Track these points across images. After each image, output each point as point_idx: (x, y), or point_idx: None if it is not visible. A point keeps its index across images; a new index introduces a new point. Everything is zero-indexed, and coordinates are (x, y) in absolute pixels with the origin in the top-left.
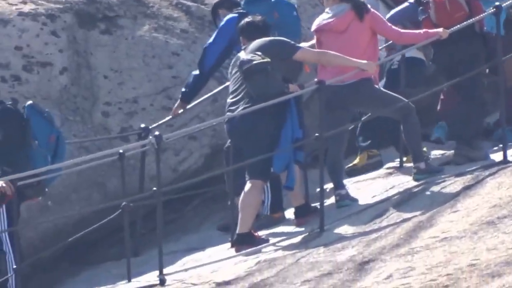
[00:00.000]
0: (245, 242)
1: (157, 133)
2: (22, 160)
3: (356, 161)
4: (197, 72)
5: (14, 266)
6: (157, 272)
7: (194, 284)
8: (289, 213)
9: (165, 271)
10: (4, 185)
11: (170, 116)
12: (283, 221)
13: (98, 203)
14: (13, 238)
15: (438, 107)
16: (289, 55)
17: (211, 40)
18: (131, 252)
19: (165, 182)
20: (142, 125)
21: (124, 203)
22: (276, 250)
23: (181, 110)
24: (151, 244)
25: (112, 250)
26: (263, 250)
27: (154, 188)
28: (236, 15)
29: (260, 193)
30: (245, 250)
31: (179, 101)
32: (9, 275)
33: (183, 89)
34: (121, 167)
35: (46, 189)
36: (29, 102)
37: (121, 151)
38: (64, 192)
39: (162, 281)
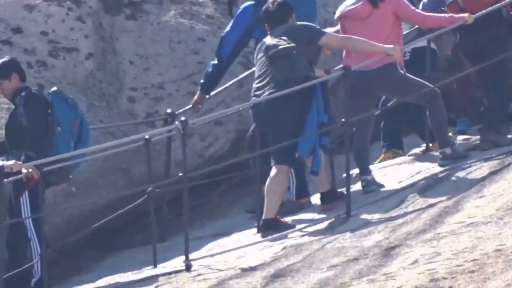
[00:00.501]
0: (271, 227)
1: (183, 118)
2: (45, 146)
3: (382, 158)
4: (215, 61)
5: (39, 252)
6: (183, 258)
7: (220, 270)
8: (315, 199)
9: (191, 256)
10: (30, 170)
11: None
12: (309, 206)
13: (123, 189)
14: (37, 225)
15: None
16: (315, 40)
17: (227, 28)
18: (157, 238)
19: (191, 168)
20: (168, 111)
21: (149, 188)
22: (302, 235)
23: (200, 106)
24: (177, 230)
25: (137, 236)
26: (289, 235)
27: (180, 174)
28: (252, 2)
29: (286, 179)
30: (271, 236)
31: (198, 92)
32: (34, 261)
33: (202, 80)
34: (147, 153)
35: (70, 176)
36: (54, 88)
37: (147, 136)
38: (90, 177)
39: (188, 267)
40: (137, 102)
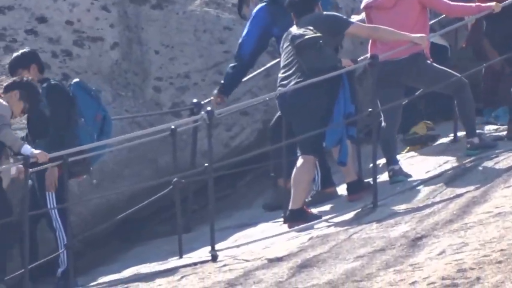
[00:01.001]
0: (297, 218)
1: (209, 108)
2: (69, 137)
3: (416, 129)
4: (235, 64)
5: (65, 243)
6: (209, 248)
7: (246, 260)
8: (342, 189)
9: (217, 247)
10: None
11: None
12: (336, 196)
13: (149, 179)
14: (63, 215)
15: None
16: (341, 30)
17: (244, 32)
18: (183, 228)
19: (216, 158)
20: (194, 100)
21: (175, 179)
22: (328, 226)
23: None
24: (202, 220)
25: (163, 226)
26: (316, 226)
27: (206, 164)
28: (264, 3)
29: (312, 169)
30: (297, 226)
31: (216, 92)
32: (60, 251)
33: (222, 82)
34: (172, 143)
35: (91, 168)
36: (76, 79)
37: (172, 126)
38: (116, 168)
39: (214, 257)
40: (163, 92)
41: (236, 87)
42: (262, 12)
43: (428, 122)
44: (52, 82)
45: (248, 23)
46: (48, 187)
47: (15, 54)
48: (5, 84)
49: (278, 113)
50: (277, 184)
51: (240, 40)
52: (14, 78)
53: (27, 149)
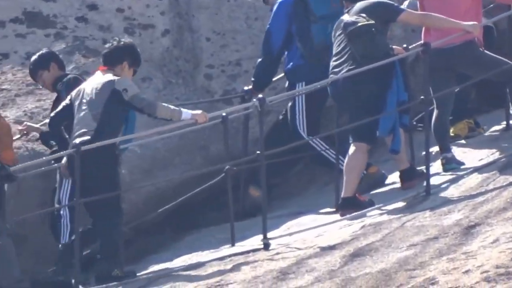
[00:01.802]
0: (350, 206)
1: (260, 95)
2: None
3: (456, 130)
4: (264, 58)
5: (66, 241)
6: (261, 237)
7: (299, 249)
8: (395, 177)
9: (269, 235)
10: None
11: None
12: (381, 175)
13: (201, 167)
14: (73, 212)
15: None
16: (393, 17)
17: (271, 22)
18: (235, 216)
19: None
20: (246, 88)
21: (227, 166)
22: (381, 214)
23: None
24: (255, 209)
25: (215, 214)
26: (368, 214)
27: (258, 152)
28: None
29: (365, 156)
30: (350, 214)
31: (251, 87)
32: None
33: (253, 79)
34: (224, 130)
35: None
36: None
37: (224, 114)
38: (167, 156)
39: (267, 246)
40: (214, 79)
41: (269, 83)
42: (284, 5)
43: (470, 121)
44: (72, 76)
45: (273, 15)
46: (65, 174)
47: (32, 58)
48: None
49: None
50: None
51: (267, 32)
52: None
53: (187, 113)
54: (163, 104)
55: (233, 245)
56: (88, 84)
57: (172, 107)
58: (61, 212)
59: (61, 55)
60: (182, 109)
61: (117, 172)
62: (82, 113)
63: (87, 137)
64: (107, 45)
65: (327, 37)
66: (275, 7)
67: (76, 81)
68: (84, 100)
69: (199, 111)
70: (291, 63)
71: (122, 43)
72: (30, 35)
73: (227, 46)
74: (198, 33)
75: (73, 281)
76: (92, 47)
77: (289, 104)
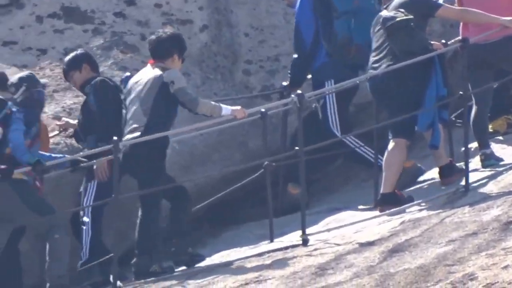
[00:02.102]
0: (389, 202)
1: (299, 91)
2: (117, 132)
3: (495, 126)
4: (297, 56)
5: (90, 240)
6: (299, 233)
7: (337, 244)
8: (434, 173)
9: (308, 231)
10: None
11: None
12: (417, 168)
13: (239, 163)
14: (96, 215)
15: None
16: (431, 12)
17: (296, 23)
18: (274, 212)
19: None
20: (284, 83)
21: (266, 162)
22: (420, 210)
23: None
24: (293, 204)
25: (254, 210)
26: (407, 210)
27: (297, 148)
28: None
29: (404, 152)
30: (389, 210)
31: (288, 83)
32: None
33: (290, 75)
34: (263, 126)
35: None
36: (127, 73)
37: (263, 109)
38: (206, 151)
39: (305, 241)
40: (253, 75)
41: (305, 79)
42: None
43: (509, 117)
44: (99, 79)
45: (298, 12)
46: (98, 176)
47: (66, 58)
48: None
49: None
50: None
51: (295, 30)
52: None
53: (227, 109)
54: (205, 100)
55: (271, 241)
56: (138, 79)
57: (212, 103)
58: (84, 218)
59: (99, 51)
60: (222, 105)
61: (163, 168)
62: (133, 109)
63: (137, 133)
64: (153, 37)
65: (351, 33)
66: (297, 4)
67: (104, 84)
68: (134, 95)
69: (238, 107)
70: (317, 62)
71: (168, 34)
72: (68, 30)
73: (265, 41)
74: (236, 29)
75: (111, 277)
76: (130, 43)
77: (321, 102)
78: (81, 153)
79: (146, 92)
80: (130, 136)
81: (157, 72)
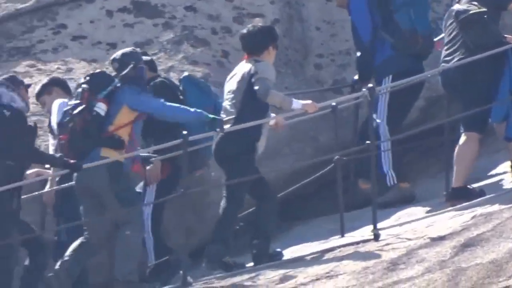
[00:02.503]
0: (460, 196)
1: (370, 85)
2: (174, 132)
3: None
4: (360, 54)
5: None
6: (371, 227)
7: (409, 239)
8: (505, 167)
9: (379, 226)
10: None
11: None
12: (411, 192)
13: (310, 157)
14: (155, 220)
15: None
16: (504, 5)
17: (352, 20)
18: (344, 206)
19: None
20: (355, 77)
21: (337, 156)
22: (492, 204)
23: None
24: (364, 199)
25: (325, 204)
26: (479, 204)
27: (368, 142)
28: None
29: (476, 146)
30: (460, 204)
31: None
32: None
33: (358, 70)
34: (334, 120)
35: (208, 160)
36: (185, 73)
37: (334, 103)
38: (276, 146)
39: (377, 236)
40: (324, 69)
41: (372, 75)
42: None
43: None
44: (159, 80)
45: (352, 9)
46: (150, 179)
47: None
48: None
49: None
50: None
51: (352, 28)
52: None
53: (297, 103)
54: (276, 91)
55: (342, 235)
56: (233, 74)
57: (283, 95)
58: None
59: (169, 45)
60: (293, 99)
61: (252, 162)
62: (224, 102)
63: (227, 126)
64: (244, 32)
65: (412, 23)
66: (350, 3)
67: (163, 86)
68: (228, 90)
69: (309, 101)
70: (382, 57)
71: (259, 27)
72: (138, 24)
73: (336, 35)
74: (307, 23)
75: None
76: (201, 37)
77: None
78: (151, 148)
79: (237, 86)
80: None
81: (249, 66)
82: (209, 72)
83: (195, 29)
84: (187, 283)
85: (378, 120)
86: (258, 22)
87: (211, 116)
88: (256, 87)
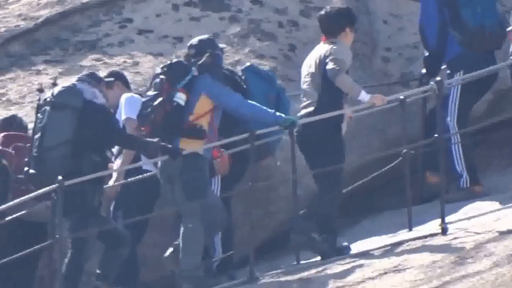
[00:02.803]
0: None
1: (438, 78)
2: (231, 122)
3: None
4: (427, 55)
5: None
6: (439, 221)
7: (477, 233)
8: None
9: (447, 219)
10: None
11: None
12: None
13: (378, 151)
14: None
15: None
16: None
17: (420, 19)
18: (412, 200)
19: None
20: (423, 71)
21: (404, 150)
22: None
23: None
24: (433, 192)
25: (392, 198)
26: None
27: (436, 135)
28: None
29: None
30: None
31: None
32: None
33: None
34: (402, 114)
35: (272, 150)
36: (247, 64)
37: (401, 97)
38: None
39: (444, 230)
40: (391, 62)
41: (439, 70)
42: None
43: None
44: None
45: (421, 6)
46: (219, 170)
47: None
48: None
49: None
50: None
51: (419, 27)
52: None
53: (365, 95)
54: (347, 76)
55: (410, 229)
56: (312, 55)
57: (353, 82)
58: None
59: (235, 39)
60: (362, 89)
61: (341, 143)
62: (305, 85)
63: (311, 108)
64: (322, 13)
65: (479, 19)
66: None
67: (226, 78)
68: (307, 73)
69: (377, 95)
70: (450, 54)
71: (337, 8)
72: (205, 18)
73: (404, 29)
74: (374, 16)
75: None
76: (267, 30)
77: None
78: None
79: (316, 68)
80: (305, 111)
81: (326, 47)
82: (276, 66)
83: (261, 23)
84: (254, 278)
85: (447, 114)
86: (338, 2)
87: (291, 119)
88: (327, 67)
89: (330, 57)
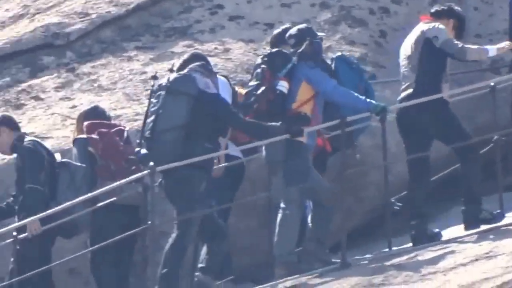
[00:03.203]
0: None
1: None
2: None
3: None
4: None
5: None
6: None
7: None
8: None
9: None
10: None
11: None
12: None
13: None
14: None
15: None
16: None
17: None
18: (503, 187)
19: None
20: None
21: (496, 137)
22: None
23: None
24: None
25: (483, 185)
26: None
27: None
28: None
29: None
30: None
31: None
32: None
33: None
34: (492, 100)
35: (355, 141)
36: (338, 53)
37: (492, 83)
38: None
39: None
40: None
41: None
42: None
43: None
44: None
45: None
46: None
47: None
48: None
49: None
50: None
51: (509, 13)
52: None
53: (492, 50)
54: (471, 46)
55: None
56: (407, 40)
57: (478, 47)
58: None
59: (326, 25)
60: (487, 46)
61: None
62: (402, 68)
63: (410, 90)
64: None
65: None
66: None
67: None
68: (403, 55)
69: (502, 44)
70: None
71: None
72: (295, 4)
73: (494, 15)
74: (465, 3)
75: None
76: (358, 17)
77: None
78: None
79: (413, 49)
80: (404, 94)
81: (422, 28)
82: (367, 52)
83: (352, 9)
84: (347, 263)
85: None
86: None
87: (381, 105)
88: (450, 52)
89: (441, 40)
